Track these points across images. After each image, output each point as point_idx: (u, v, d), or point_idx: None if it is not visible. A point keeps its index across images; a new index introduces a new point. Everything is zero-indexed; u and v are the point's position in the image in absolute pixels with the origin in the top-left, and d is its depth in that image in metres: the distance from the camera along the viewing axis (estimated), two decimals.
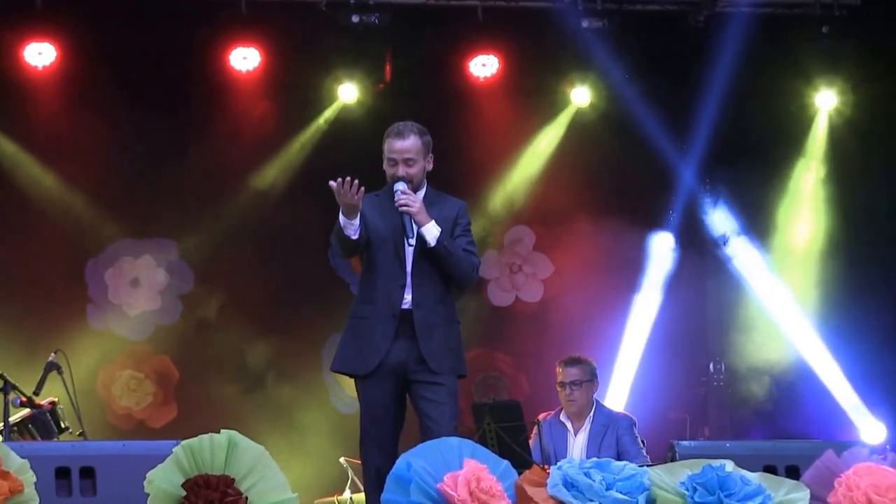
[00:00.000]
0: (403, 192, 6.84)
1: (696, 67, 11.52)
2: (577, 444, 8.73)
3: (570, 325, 11.70)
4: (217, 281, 11.73)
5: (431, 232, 6.86)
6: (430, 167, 7.00)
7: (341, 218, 6.73)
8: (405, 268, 6.88)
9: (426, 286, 6.90)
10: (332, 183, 6.66)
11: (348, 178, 6.64)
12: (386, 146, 6.95)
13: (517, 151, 12.07)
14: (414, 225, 6.84)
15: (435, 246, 6.87)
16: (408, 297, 6.85)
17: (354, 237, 6.75)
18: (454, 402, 6.92)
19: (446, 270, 6.91)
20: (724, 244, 11.96)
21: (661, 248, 12.04)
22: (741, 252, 12.02)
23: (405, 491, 6.02)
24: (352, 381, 11.75)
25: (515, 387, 12.15)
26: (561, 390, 8.85)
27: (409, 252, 6.91)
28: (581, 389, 8.80)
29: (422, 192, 6.98)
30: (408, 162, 6.91)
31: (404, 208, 6.82)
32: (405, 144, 6.91)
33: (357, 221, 6.72)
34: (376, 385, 6.86)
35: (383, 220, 6.91)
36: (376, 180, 7.10)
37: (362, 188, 6.68)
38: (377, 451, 6.83)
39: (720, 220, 12.04)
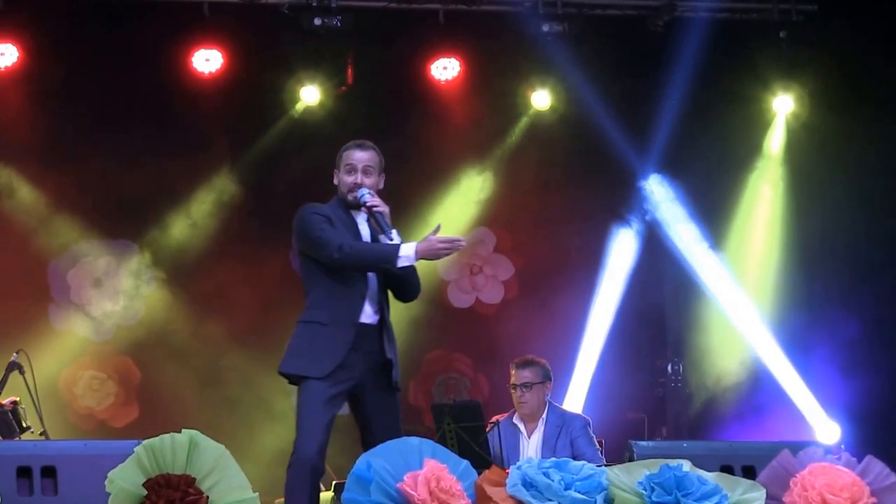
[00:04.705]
0: (371, 195, 6.91)
1: (656, 71, 11.57)
2: (531, 445, 8.74)
3: (530, 327, 11.74)
4: (178, 283, 11.73)
5: (397, 236, 6.92)
6: (381, 186, 7.06)
7: (410, 258, 6.74)
8: (366, 279, 6.89)
9: (383, 296, 6.94)
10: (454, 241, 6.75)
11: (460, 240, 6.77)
12: (344, 156, 7.01)
13: (478, 154, 12.12)
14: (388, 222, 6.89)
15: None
16: (369, 308, 6.86)
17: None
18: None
19: (409, 278, 6.94)
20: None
21: (620, 251, 12.11)
22: (700, 256, 12.11)
23: (365, 490, 6.05)
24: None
25: (475, 388, 12.19)
26: (513, 392, 8.86)
27: None
28: (532, 391, 8.78)
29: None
30: (366, 170, 6.98)
31: (377, 209, 6.88)
32: (366, 155, 7.00)
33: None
34: (326, 388, 6.82)
35: (346, 230, 6.90)
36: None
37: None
38: (317, 450, 6.78)
39: (680, 224, 12.14)
